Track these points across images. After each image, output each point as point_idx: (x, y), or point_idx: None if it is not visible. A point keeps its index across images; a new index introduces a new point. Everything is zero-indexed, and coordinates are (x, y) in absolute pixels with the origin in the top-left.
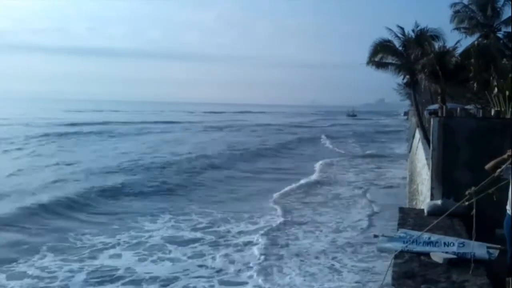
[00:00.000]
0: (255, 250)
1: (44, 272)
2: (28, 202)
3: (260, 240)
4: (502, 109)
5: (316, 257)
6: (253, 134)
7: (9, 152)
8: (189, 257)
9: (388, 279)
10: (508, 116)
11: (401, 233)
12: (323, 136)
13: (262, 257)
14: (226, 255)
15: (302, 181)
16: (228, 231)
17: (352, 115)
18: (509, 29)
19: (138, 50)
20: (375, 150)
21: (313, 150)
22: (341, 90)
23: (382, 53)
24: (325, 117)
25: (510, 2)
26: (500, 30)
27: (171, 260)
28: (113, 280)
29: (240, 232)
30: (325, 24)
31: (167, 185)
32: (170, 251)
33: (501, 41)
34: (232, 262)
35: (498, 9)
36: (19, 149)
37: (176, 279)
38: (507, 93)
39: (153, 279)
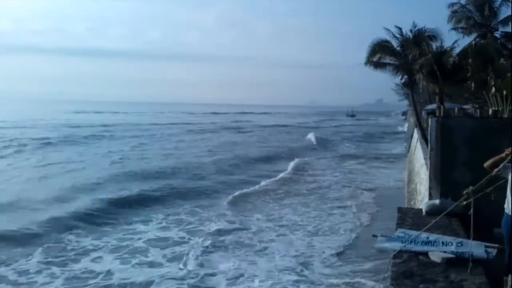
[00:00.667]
0: (224, 253)
1: (22, 277)
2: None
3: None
4: (500, 108)
5: (290, 261)
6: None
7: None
8: (168, 260)
9: (387, 278)
10: (506, 115)
11: (400, 232)
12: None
13: (232, 260)
14: (197, 257)
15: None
16: (209, 229)
17: (351, 115)
18: (506, 29)
19: (138, 50)
20: (379, 150)
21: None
22: (340, 90)
23: (380, 53)
24: (327, 117)
25: (510, 2)
26: (497, 30)
27: (150, 263)
28: (87, 286)
29: (218, 230)
30: (325, 24)
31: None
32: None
33: (499, 41)
34: (201, 265)
35: (495, 9)
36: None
37: (149, 284)
38: (504, 92)
39: (126, 285)
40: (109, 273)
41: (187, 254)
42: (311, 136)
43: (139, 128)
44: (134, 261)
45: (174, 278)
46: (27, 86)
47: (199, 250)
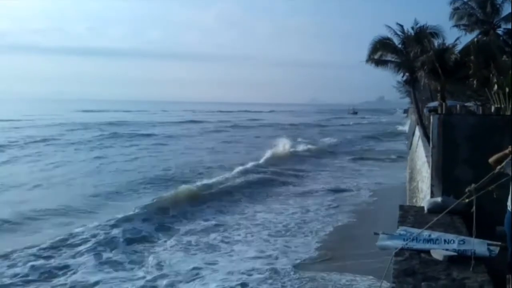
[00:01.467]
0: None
1: (11, 270)
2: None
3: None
4: (502, 106)
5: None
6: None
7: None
8: (130, 262)
9: (389, 276)
10: (508, 113)
11: (401, 230)
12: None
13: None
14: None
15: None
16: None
17: (353, 113)
18: (508, 26)
19: (138, 50)
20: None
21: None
22: (340, 89)
23: (381, 51)
24: (332, 115)
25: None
26: (499, 27)
27: (112, 263)
28: (47, 283)
29: (188, 232)
30: (325, 24)
31: None
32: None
33: (501, 38)
34: (160, 268)
35: (498, 6)
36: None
37: (96, 283)
38: (507, 90)
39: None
40: (77, 273)
41: (148, 253)
42: (328, 139)
43: (141, 127)
44: (101, 260)
45: (128, 280)
46: (27, 85)
47: (161, 249)
